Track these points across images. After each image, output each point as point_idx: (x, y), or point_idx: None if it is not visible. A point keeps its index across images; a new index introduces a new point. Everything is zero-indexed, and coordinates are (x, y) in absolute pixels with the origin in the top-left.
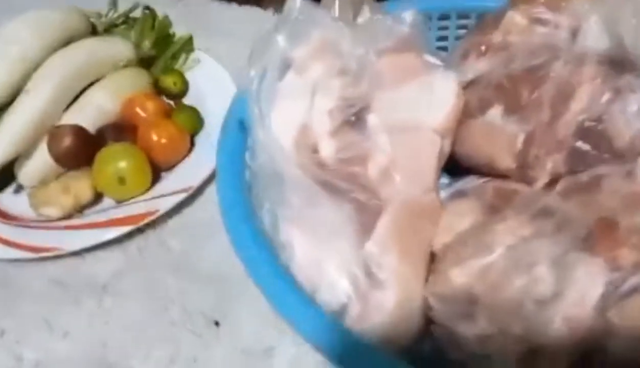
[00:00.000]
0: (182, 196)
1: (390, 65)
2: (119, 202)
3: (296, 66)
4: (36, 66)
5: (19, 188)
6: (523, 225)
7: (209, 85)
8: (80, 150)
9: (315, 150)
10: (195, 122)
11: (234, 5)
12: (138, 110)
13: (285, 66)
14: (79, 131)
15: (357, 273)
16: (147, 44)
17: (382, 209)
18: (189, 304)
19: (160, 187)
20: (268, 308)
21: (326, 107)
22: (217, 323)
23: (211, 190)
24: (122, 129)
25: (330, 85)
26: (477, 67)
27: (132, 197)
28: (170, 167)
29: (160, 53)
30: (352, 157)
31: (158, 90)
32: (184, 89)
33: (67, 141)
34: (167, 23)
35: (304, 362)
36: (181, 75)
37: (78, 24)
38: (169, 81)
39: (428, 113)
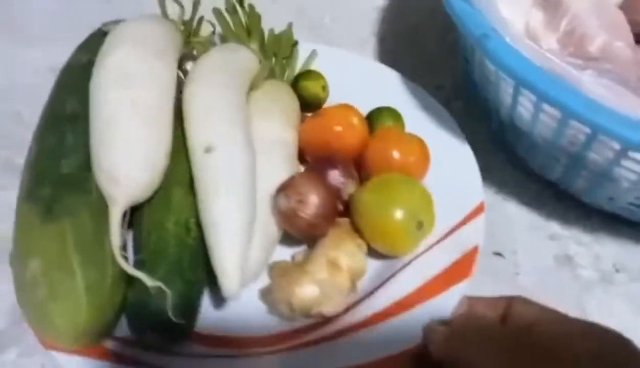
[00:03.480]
0: (481, 217)
1: None
2: (397, 256)
3: None
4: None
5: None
6: None
7: (347, 76)
8: (331, 204)
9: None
10: (404, 124)
11: None
12: (339, 129)
13: None
14: (317, 178)
15: None
16: (254, 46)
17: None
18: None
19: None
20: None
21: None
22: None
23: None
24: (339, 161)
25: None
26: None
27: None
28: None
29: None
30: (576, 42)
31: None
32: None
33: (314, 199)
34: (258, 15)
35: None
36: (324, 77)
37: (175, 36)
38: (316, 87)
39: None
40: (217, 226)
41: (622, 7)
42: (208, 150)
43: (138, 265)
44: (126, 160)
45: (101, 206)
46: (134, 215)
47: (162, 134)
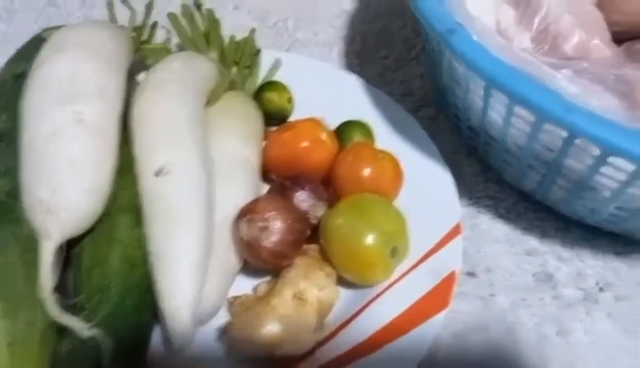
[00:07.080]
0: (457, 239)
1: None
2: (369, 285)
3: None
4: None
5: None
6: None
7: (312, 86)
8: (298, 231)
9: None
10: (374, 139)
11: None
12: (306, 145)
13: None
14: (282, 202)
15: None
16: (213, 55)
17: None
18: None
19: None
20: None
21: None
22: None
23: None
24: (307, 181)
25: None
26: None
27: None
28: None
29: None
30: (550, 41)
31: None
32: None
33: (279, 225)
34: (217, 21)
35: None
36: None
37: (124, 43)
38: (281, 99)
39: None
40: (166, 261)
41: (598, 5)
42: (159, 173)
43: (75, 309)
44: (66, 186)
45: (33, 240)
46: (71, 249)
47: (107, 155)
